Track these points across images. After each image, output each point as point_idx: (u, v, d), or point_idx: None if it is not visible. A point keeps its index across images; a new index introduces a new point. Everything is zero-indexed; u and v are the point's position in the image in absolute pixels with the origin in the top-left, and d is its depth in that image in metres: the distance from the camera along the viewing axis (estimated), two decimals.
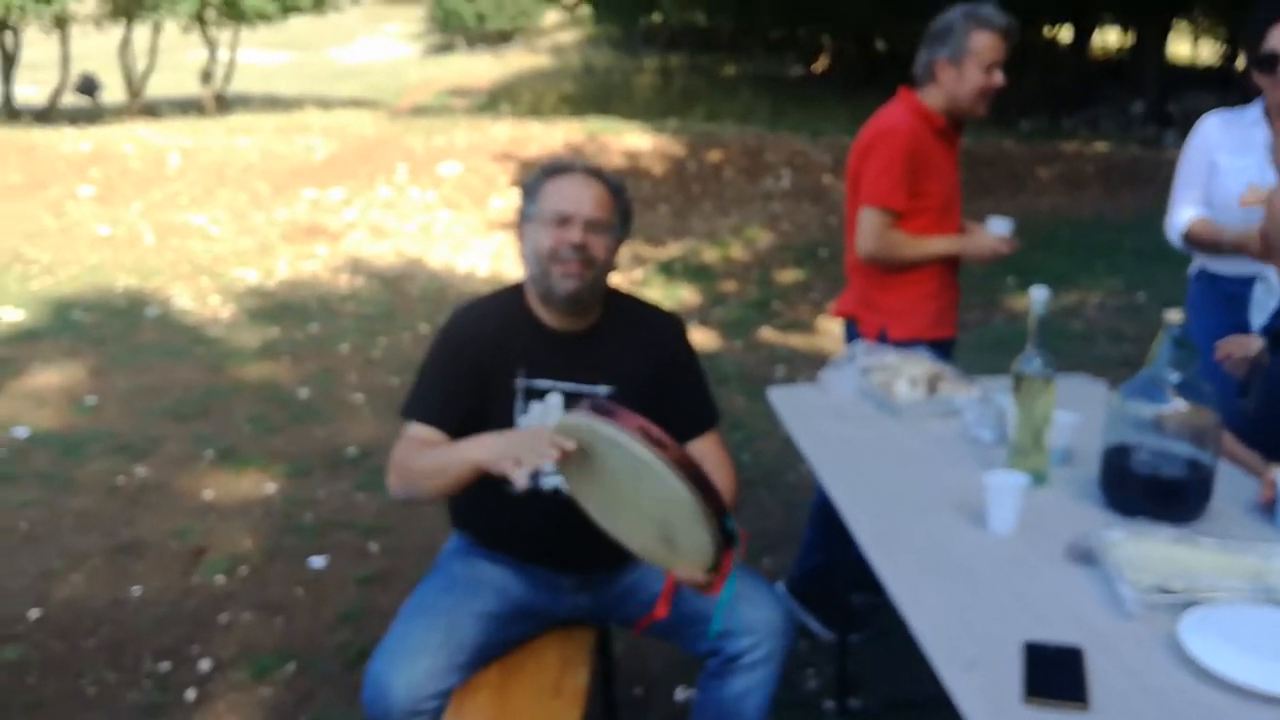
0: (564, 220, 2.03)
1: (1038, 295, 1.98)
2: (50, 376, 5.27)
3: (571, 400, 2.09)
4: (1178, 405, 1.82)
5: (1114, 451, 1.92)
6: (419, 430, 2.07)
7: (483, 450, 1.86)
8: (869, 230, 2.79)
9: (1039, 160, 10.97)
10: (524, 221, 2.12)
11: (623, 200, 2.12)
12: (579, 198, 2.05)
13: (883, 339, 2.85)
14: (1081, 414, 2.18)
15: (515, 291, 2.18)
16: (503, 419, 2.08)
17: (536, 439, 1.75)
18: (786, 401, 2.58)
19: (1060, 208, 9.31)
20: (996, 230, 2.83)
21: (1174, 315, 1.82)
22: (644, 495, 1.69)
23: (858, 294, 2.97)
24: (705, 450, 2.16)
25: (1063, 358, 5.56)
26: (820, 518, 3.03)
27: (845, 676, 2.71)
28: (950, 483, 2.05)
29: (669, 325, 2.24)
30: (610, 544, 1.90)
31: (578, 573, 2.16)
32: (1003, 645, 1.48)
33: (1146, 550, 1.65)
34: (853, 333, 3.01)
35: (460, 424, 2.06)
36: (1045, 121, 15.15)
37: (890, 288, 2.88)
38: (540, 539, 2.12)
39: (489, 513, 2.17)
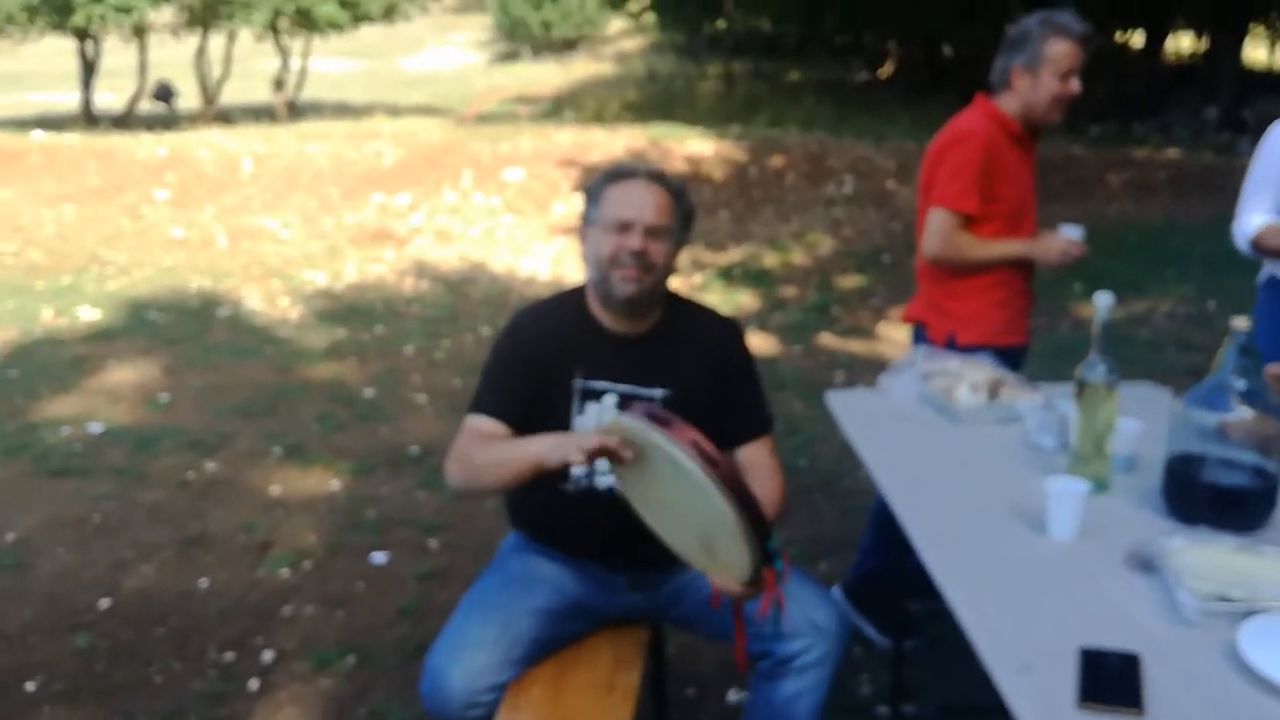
0: (624, 227, 2.05)
1: (1102, 301, 1.96)
2: (125, 374, 5.43)
3: (626, 402, 2.11)
4: (1243, 413, 1.79)
5: (1177, 459, 1.89)
6: (481, 422, 2.10)
7: (541, 446, 1.88)
8: (936, 231, 2.77)
9: (1109, 166, 10.78)
10: (586, 225, 2.15)
11: (684, 204, 2.14)
12: (640, 204, 2.06)
13: (951, 345, 2.83)
14: (1145, 422, 2.15)
15: (576, 294, 2.21)
16: (560, 419, 2.11)
17: (590, 437, 1.77)
18: (845, 406, 2.58)
19: (1129, 214, 9.14)
20: (1067, 234, 2.80)
21: (1240, 322, 1.79)
22: (688, 506, 1.71)
23: (926, 299, 2.96)
24: (756, 456, 2.17)
25: (1130, 366, 5.46)
26: (879, 523, 3.02)
27: (900, 682, 2.70)
28: (1010, 488, 2.03)
29: (727, 329, 2.25)
30: (662, 547, 1.92)
31: (631, 572, 2.18)
32: (1058, 650, 1.47)
33: (1207, 558, 1.62)
34: (921, 338, 2.99)
35: (520, 420, 2.09)
36: (1116, 127, 14.88)
37: (959, 294, 2.86)
38: (595, 538, 2.15)
39: (545, 511, 2.20)
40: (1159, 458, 1.97)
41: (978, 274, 2.83)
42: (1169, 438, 1.92)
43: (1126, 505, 1.95)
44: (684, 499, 1.70)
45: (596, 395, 2.13)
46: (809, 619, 2.03)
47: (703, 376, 2.16)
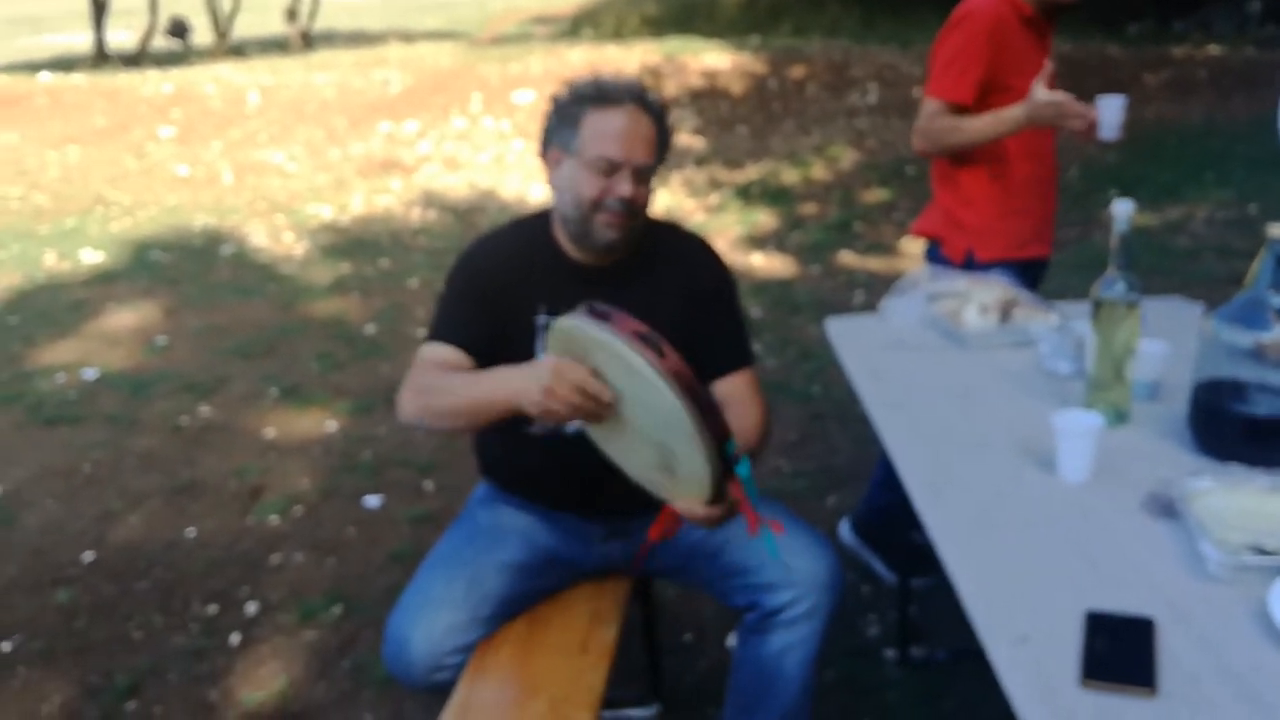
0: (613, 168, 1.81)
1: (1121, 210, 1.72)
2: (124, 317, 5.31)
3: None
4: None
5: (1206, 386, 1.68)
6: (439, 349, 1.89)
7: (511, 391, 1.64)
8: (919, 121, 2.49)
9: (1146, 66, 10.29)
10: (558, 150, 1.88)
11: (666, 131, 1.90)
12: (629, 141, 1.81)
13: (969, 262, 2.59)
14: (1172, 343, 1.93)
15: (538, 220, 2.00)
16: (522, 356, 1.93)
17: (571, 393, 1.53)
18: (844, 333, 2.37)
19: (1168, 116, 8.71)
20: (1106, 110, 2.35)
21: (1277, 229, 1.56)
22: (639, 410, 1.51)
23: (941, 211, 2.68)
24: (734, 389, 1.97)
25: (1166, 276, 5.17)
26: None
27: (907, 623, 2.53)
28: (1019, 422, 1.83)
29: (703, 252, 2.04)
30: (641, 491, 1.74)
31: (607, 521, 2.01)
32: (1062, 615, 1.29)
33: (1237, 502, 1.42)
34: (935, 254, 2.73)
35: (483, 352, 1.88)
36: (1154, 25, 14.22)
37: (974, 202, 2.58)
38: (566, 484, 1.98)
39: (512, 457, 2.03)
40: (1188, 384, 1.76)
41: (990, 175, 2.55)
42: (1197, 361, 1.70)
43: (1149, 439, 1.75)
44: (633, 403, 1.51)
45: None
46: (797, 567, 1.86)
47: (677, 305, 1.96)
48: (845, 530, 2.95)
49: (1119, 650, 1.21)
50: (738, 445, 1.51)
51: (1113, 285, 1.74)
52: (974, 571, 1.39)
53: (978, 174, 2.56)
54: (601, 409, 1.54)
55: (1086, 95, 2.44)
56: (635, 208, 1.85)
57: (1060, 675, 1.18)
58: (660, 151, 1.89)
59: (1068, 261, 5.49)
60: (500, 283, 1.93)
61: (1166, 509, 1.49)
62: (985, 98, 2.45)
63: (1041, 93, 2.33)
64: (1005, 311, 2.16)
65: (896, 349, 2.21)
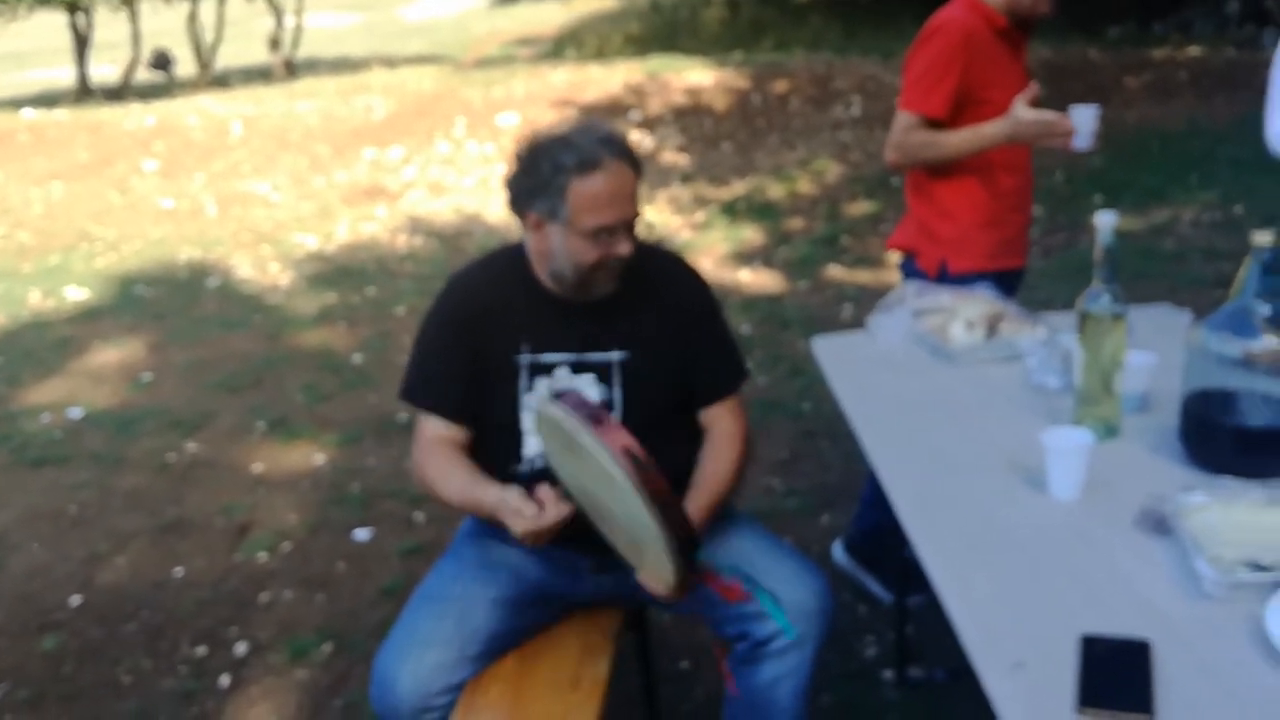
0: (608, 233, 1.79)
1: (1104, 221, 1.71)
2: (109, 354, 5.27)
3: (579, 370, 1.90)
4: (1270, 341, 1.55)
5: (1195, 397, 1.65)
6: (434, 426, 1.96)
7: (498, 513, 1.78)
8: (892, 134, 2.47)
9: (1127, 69, 10.31)
10: (538, 214, 1.81)
11: (640, 168, 1.87)
12: (620, 203, 1.78)
13: (943, 274, 2.57)
14: (1160, 353, 1.91)
15: (514, 256, 1.97)
16: (506, 398, 1.91)
17: (539, 532, 1.70)
18: (832, 352, 2.35)
19: (1150, 119, 8.72)
20: (1079, 120, 2.32)
21: (1262, 237, 1.54)
22: (618, 509, 1.59)
23: (916, 223, 2.67)
24: (718, 419, 1.96)
25: (1153, 280, 5.16)
26: None
27: (905, 643, 2.50)
28: (1008, 439, 1.80)
29: (687, 275, 2.03)
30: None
31: (595, 553, 1.97)
32: (1056, 639, 1.26)
33: (1233, 517, 1.40)
34: (910, 268, 2.72)
35: (464, 405, 1.93)
36: (1135, 27, 14.27)
37: (950, 213, 2.56)
38: None
39: None
40: (1176, 395, 1.74)
41: (966, 187, 2.52)
42: (1186, 371, 1.68)
43: (1139, 453, 1.72)
44: (613, 501, 1.58)
45: (547, 369, 1.92)
46: (785, 597, 1.83)
47: (664, 332, 1.94)
48: (838, 551, 2.92)
49: (1115, 675, 1.18)
50: (697, 520, 1.69)
51: (1098, 298, 1.72)
52: (965, 595, 1.37)
53: (955, 186, 2.54)
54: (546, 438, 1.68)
55: (1068, 99, 2.42)
56: (630, 257, 1.84)
57: (1056, 704, 1.15)
58: (638, 193, 1.87)
59: (1054, 270, 5.49)
60: (480, 322, 1.92)
61: (1160, 525, 1.47)
62: (960, 111, 2.43)
63: (1026, 111, 2.32)
64: (992, 326, 2.14)
65: (883, 367, 2.19)
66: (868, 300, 5.29)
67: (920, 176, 2.61)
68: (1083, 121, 2.33)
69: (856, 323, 5.01)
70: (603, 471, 1.52)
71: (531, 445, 1.92)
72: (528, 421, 1.91)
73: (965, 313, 2.17)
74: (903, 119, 2.46)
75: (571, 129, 1.82)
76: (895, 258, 2.82)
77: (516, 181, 1.87)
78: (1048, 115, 2.31)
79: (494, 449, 1.96)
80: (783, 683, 1.84)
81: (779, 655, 1.83)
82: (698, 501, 1.85)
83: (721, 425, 1.96)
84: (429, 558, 3.24)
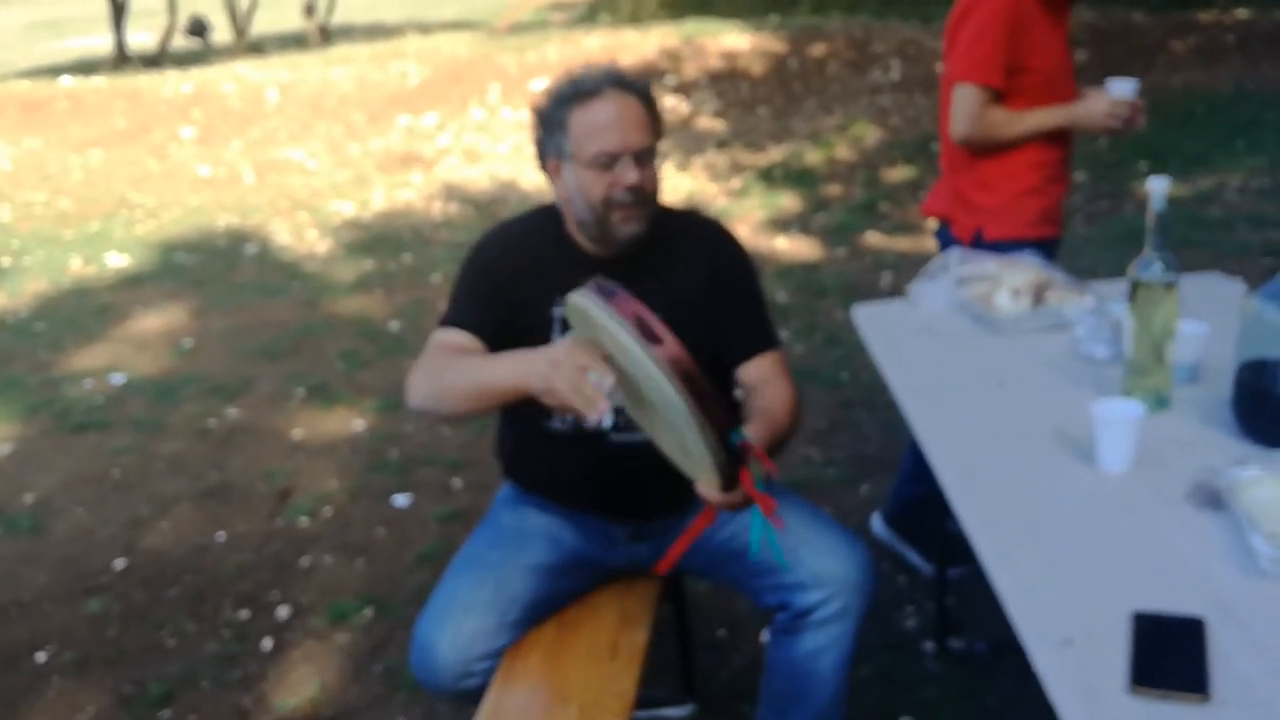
0: (611, 160, 1.76)
1: (1157, 187, 1.67)
2: (151, 321, 5.32)
3: None
4: None
5: (1249, 367, 1.62)
6: (451, 334, 1.84)
7: (520, 372, 1.58)
8: (963, 110, 2.42)
9: (1172, 32, 10.08)
10: (553, 158, 1.83)
11: (655, 107, 1.85)
12: (621, 127, 1.76)
13: (978, 241, 2.53)
14: (1212, 323, 1.87)
15: (549, 212, 1.96)
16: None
17: (576, 374, 1.46)
18: (872, 319, 2.32)
19: (1195, 83, 8.52)
20: (1117, 93, 2.39)
21: None
22: (647, 390, 1.44)
23: (951, 190, 2.63)
24: (762, 369, 1.91)
25: (1200, 248, 5.07)
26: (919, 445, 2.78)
27: (946, 615, 2.48)
28: (1056, 409, 1.77)
29: (718, 234, 1.99)
30: (665, 488, 1.70)
31: (632, 521, 1.98)
32: (1107, 615, 1.24)
33: None
34: (945, 235, 2.68)
35: (496, 341, 1.83)
36: None
37: (988, 182, 2.52)
38: (588, 485, 1.94)
39: (535, 456, 2.00)
40: (1230, 366, 1.70)
41: (1009, 157, 2.48)
42: (1239, 341, 1.65)
43: (1191, 425, 1.69)
44: (640, 383, 1.44)
45: None
46: (827, 567, 1.82)
47: (696, 291, 1.91)
48: (877, 523, 2.91)
49: (1168, 653, 1.16)
50: (747, 434, 1.46)
51: (1149, 266, 1.68)
52: (1013, 569, 1.35)
53: (997, 156, 2.50)
54: (599, 400, 1.44)
55: (1111, 63, 2.40)
56: (645, 193, 1.80)
57: (1108, 681, 1.14)
58: (655, 128, 1.84)
59: (1099, 237, 5.40)
60: (514, 274, 1.90)
61: (1213, 500, 1.44)
62: (1007, 79, 2.39)
63: (1098, 101, 2.38)
64: (1038, 294, 2.10)
65: (926, 335, 2.16)
66: (907, 268, 5.23)
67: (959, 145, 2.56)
68: (1121, 94, 2.37)
69: (895, 291, 4.96)
70: (621, 351, 1.41)
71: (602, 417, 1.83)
72: None
73: (1011, 281, 2.13)
74: (969, 92, 2.41)
75: (577, 70, 1.82)
76: (933, 224, 2.78)
77: (536, 134, 1.87)
78: (1120, 107, 2.36)
79: (526, 404, 1.92)
80: (824, 654, 1.83)
81: (820, 626, 1.82)
82: (753, 434, 1.69)
83: (767, 374, 1.89)
84: (467, 523, 3.26)
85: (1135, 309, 1.69)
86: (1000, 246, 2.42)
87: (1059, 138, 2.53)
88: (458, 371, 1.75)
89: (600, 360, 1.45)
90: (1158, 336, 1.69)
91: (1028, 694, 2.31)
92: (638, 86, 1.81)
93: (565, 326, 1.87)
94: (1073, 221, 5.55)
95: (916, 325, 2.21)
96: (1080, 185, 6.19)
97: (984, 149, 2.49)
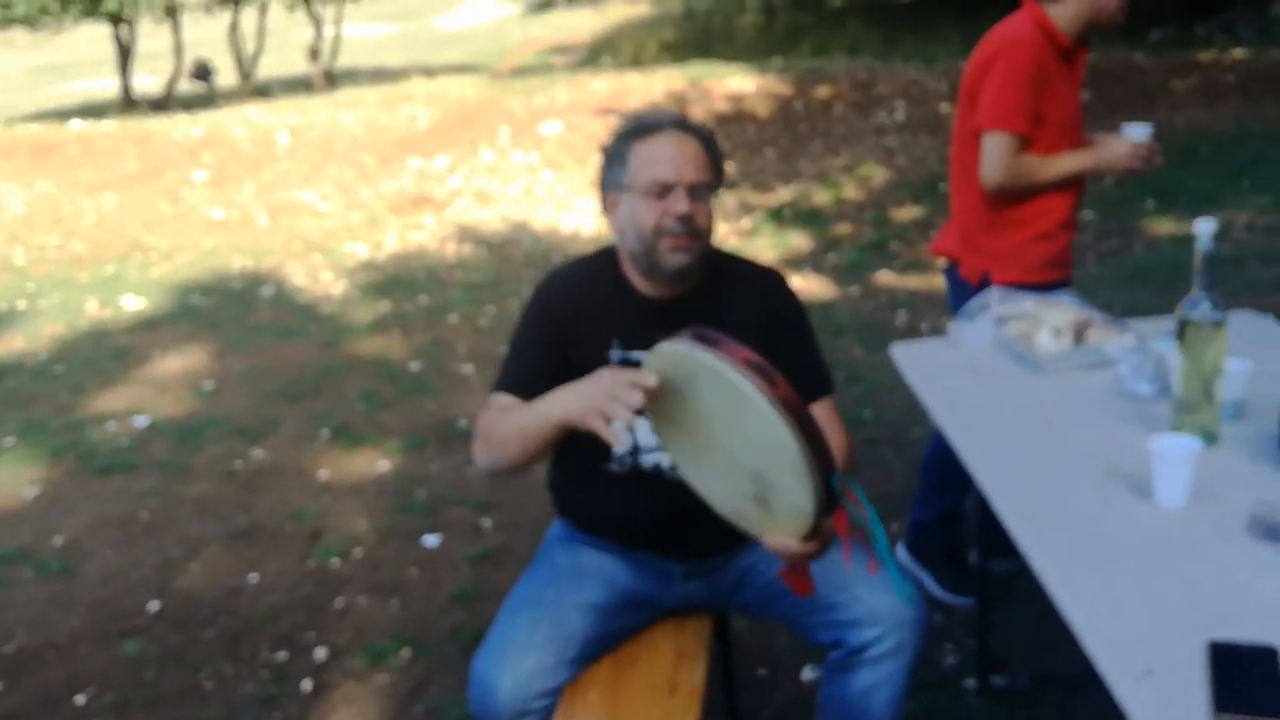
0: (665, 190, 1.83)
1: (1204, 229, 1.71)
2: (170, 363, 5.35)
3: None
4: None
5: None
6: (502, 399, 1.94)
7: (562, 404, 1.72)
8: (996, 158, 2.48)
9: (1172, 72, 10.22)
10: (613, 191, 1.92)
11: (716, 152, 1.92)
12: (677, 160, 1.84)
13: (984, 284, 2.60)
14: (1252, 359, 1.91)
15: (607, 256, 2.01)
16: None
17: (615, 383, 1.57)
18: (911, 359, 2.36)
19: (1198, 122, 8.63)
20: (1135, 136, 2.49)
21: None
22: (740, 439, 1.48)
23: (960, 231, 2.70)
24: (820, 415, 1.95)
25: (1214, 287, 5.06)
26: (928, 471, 2.87)
27: (987, 651, 2.49)
28: (1105, 446, 1.81)
29: (772, 282, 2.04)
30: (722, 526, 1.72)
31: (688, 559, 2.00)
32: (1181, 645, 1.27)
33: None
34: (954, 275, 2.74)
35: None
36: (1176, 30, 14.12)
37: (997, 227, 2.60)
38: (644, 524, 1.97)
39: (590, 496, 2.02)
40: (1272, 401, 1.74)
41: (1020, 203, 2.55)
42: None
43: (1240, 460, 1.73)
44: (734, 430, 1.48)
45: (635, 366, 1.93)
46: (882, 604, 1.84)
47: (750, 336, 1.94)
48: (901, 552, 2.94)
49: (1247, 680, 1.19)
50: (840, 478, 1.50)
51: (1197, 305, 1.72)
52: (1085, 603, 1.37)
53: (1011, 202, 2.56)
54: (649, 400, 1.51)
55: (1114, 103, 2.48)
56: (696, 226, 1.86)
57: (1191, 709, 1.16)
58: (714, 171, 1.90)
59: (1109, 276, 5.46)
60: (571, 317, 1.95)
61: (1272, 533, 1.47)
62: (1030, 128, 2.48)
63: (1119, 144, 2.48)
64: (1079, 333, 2.14)
65: (968, 374, 2.20)
66: (921, 307, 5.28)
67: (968, 187, 2.62)
68: (1139, 137, 2.49)
69: (911, 329, 5.01)
70: (726, 395, 1.44)
71: (621, 441, 1.89)
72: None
73: (1052, 320, 2.17)
74: (1001, 140, 2.48)
75: (644, 111, 1.91)
76: (943, 262, 2.84)
77: (600, 174, 1.96)
78: (1140, 149, 2.46)
79: (583, 446, 1.96)
80: (877, 690, 1.85)
81: (874, 663, 1.84)
82: None
83: (823, 421, 1.94)
84: (498, 564, 3.28)
85: (1184, 347, 1.73)
86: (1006, 290, 2.48)
87: (1072, 184, 2.60)
88: (508, 424, 1.86)
89: (641, 381, 1.52)
90: (1207, 374, 1.73)
91: None
92: (701, 131, 1.89)
93: (624, 360, 1.91)
94: (1083, 260, 5.61)
95: (957, 364, 2.25)
96: (1089, 224, 6.26)
97: (1015, 195, 2.55)
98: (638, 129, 1.89)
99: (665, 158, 1.84)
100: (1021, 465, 1.78)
